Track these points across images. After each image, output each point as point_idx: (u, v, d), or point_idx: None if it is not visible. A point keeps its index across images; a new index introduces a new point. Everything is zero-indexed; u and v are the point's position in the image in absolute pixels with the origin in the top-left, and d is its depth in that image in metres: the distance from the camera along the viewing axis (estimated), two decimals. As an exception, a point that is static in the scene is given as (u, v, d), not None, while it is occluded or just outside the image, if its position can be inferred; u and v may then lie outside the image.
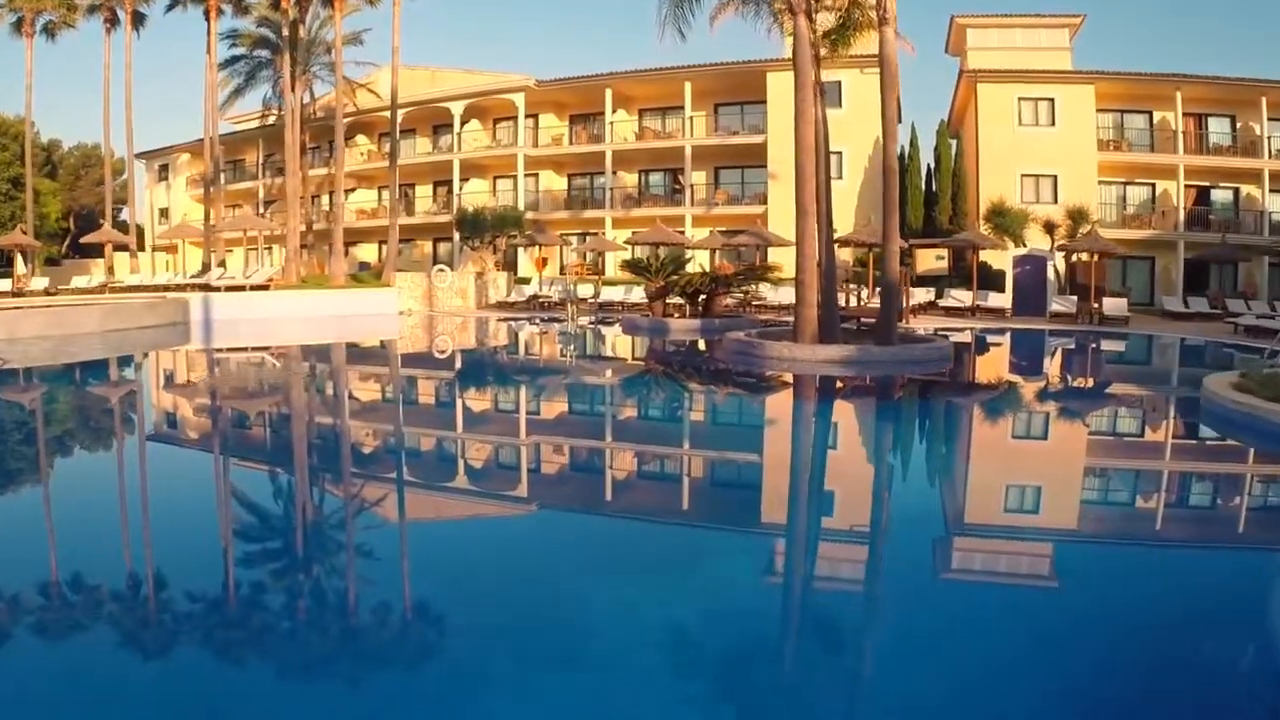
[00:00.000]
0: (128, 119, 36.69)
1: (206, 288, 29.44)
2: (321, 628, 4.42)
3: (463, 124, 36.86)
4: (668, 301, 23.51)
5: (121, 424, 10.64)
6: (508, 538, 6.09)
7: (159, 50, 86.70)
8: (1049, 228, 27.63)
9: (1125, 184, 31.44)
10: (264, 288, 29.49)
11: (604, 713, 3.44)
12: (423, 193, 40.49)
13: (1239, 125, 30.93)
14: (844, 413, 11.96)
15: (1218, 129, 31.27)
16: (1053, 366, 18.10)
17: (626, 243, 29.87)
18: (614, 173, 35.17)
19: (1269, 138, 29.85)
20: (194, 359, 18.43)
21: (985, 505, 7.06)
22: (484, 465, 8.64)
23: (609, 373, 16.24)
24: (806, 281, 15.56)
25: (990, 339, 21.61)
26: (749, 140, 32.79)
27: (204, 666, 3.91)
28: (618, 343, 21.19)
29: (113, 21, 36.39)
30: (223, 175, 40.26)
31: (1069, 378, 16.72)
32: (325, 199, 40.75)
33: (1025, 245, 27.50)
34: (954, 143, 32.40)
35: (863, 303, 24.31)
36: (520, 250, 35.26)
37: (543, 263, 33.28)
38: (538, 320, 26.37)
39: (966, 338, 21.02)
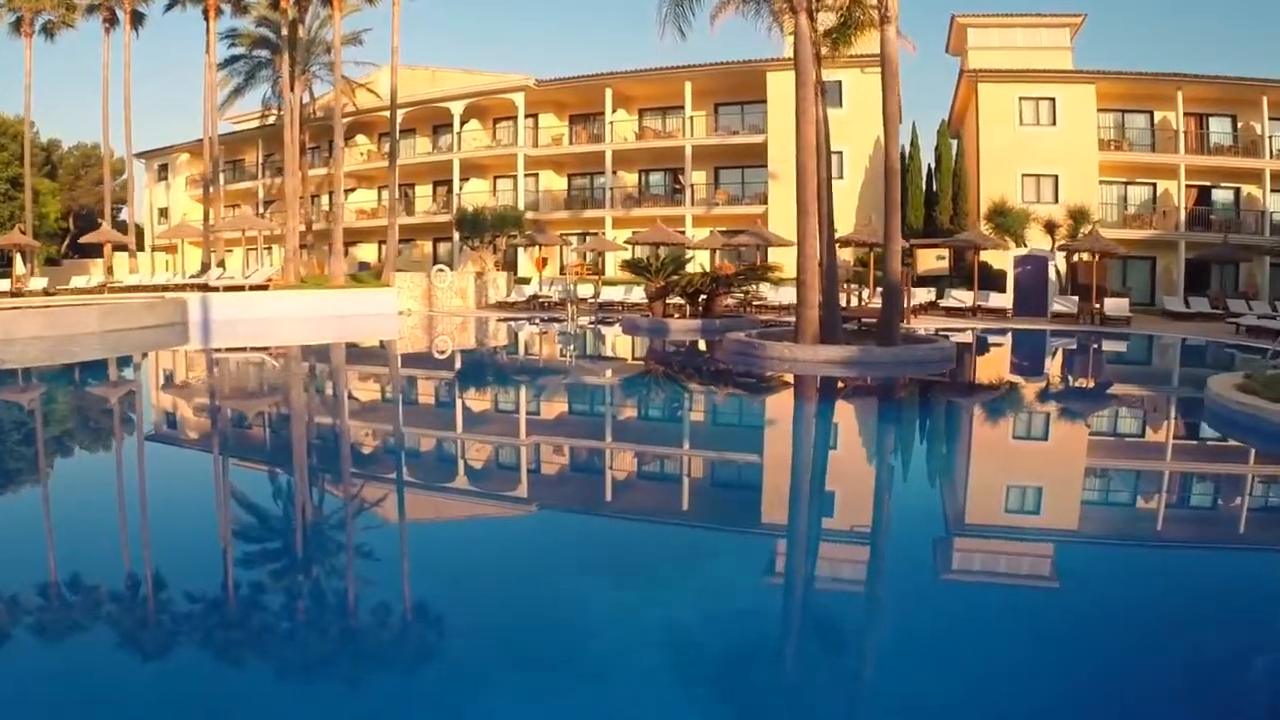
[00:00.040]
0: (127, 119, 36.65)
1: (205, 288, 29.40)
2: (321, 628, 4.39)
3: (462, 124, 36.82)
4: (668, 302, 23.46)
5: (119, 424, 10.59)
6: (507, 538, 6.06)
7: (158, 50, 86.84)
8: (1050, 228, 27.60)
9: (1126, 184, 31.42)
10: (263, 288, 29.44)
11: (604, 713, 3.42)
12: (422, 193, 40.46)
13: (1240, 125, 30.91)
14: (847, 414, 11.91)
15: (1219, 129, 31.25)
16: (1055, 367, 18.05)
17: (626, 243, 29.81)
18: (614, 173, 35.13)
19: (1270, 137, 29.82)
20: (192, 359, 18.38)
21: (991, 507, 7.01)
22: (483, 466, 8.59)
23: (609, 373, 16.19)
24: (808, 282, 15.50)
25: (992, 339, 21.57)
26: (749, 140, 32.75)
27: (203, 667, 3.89)
28: (618, 343, 21.14)
29: (112, 21, 36.34)
30: (222, 175, 40.24)
31: (1072, 378, 16.67)
32: (325, 199, 40.72)
33: (1026, 245, 27.47)
34: (955, 142, 32.38)
35: (864, 303, 24.26)
36: (520, 250, 35.23)
37: (543, 263, 33.23)
38: (537, 320, 26.33)
39: (968, 338, 20.98)
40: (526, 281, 32.50)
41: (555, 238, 34.05)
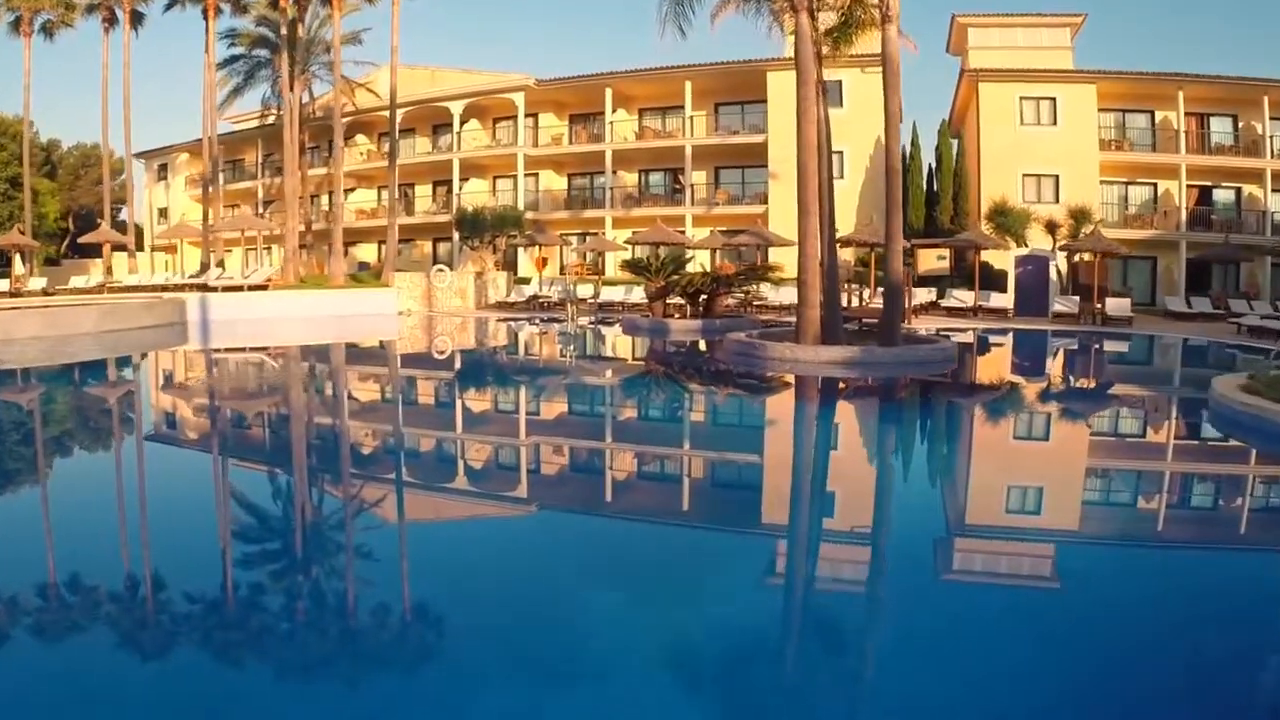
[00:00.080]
0: (126, 119, 36.60)
1: (204, 288, 29.37)
2: (320, 629, 4.37)
3: (462, 124, 36.79)
4: (668, 302, 23.41)
5: (117, 425, 10.55)
6: (507, 538, 6.03)
7: (157, 50, 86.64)
8: (1051, 227, 27.57)
9: (1127, 184, 31.39)
10: (262, 288, 29.40)
11: (604, 713, 3.40)
12: (422, 192, 40.42)
13: (1241, 125, 30.89)
14: (849, 415, 11.87)
15: (1220, 128, 31.23)
16: (1057, 368, 18.02)
17: (626, 243, 29.77)
18: (614, 172, 35.10)
19: (1271, 137, 29.80)
20: (191, 359, 18.34)
21: (993, 508, 6.97)
22: (483, 466, 8.55)
23: (609, 373, 16.15)
24: (809, 281, 15.45)
25: (993, 339, 21.53)
26: (749, 140, 32.72)
27: (203, 667, 3.88)
28: (618, 343, 21.10)
29: (111, 21, 36.30)
30: (221, 175, 40.22)
31: (1074, 379, 16.64)
32: (324, 199, 40.68)
33: (1027, 245, 27.44)
34: (955, 142, 32.37)
35: (865, 303, 24.22)
36: (520, 250, 35.19)
37: (543, 263, 33.19)
38: (537, 320, 26.29)
39: (969, 338, 20.94)
40: (526, 281, 32.45)
41: (555, 238, 34.01)
